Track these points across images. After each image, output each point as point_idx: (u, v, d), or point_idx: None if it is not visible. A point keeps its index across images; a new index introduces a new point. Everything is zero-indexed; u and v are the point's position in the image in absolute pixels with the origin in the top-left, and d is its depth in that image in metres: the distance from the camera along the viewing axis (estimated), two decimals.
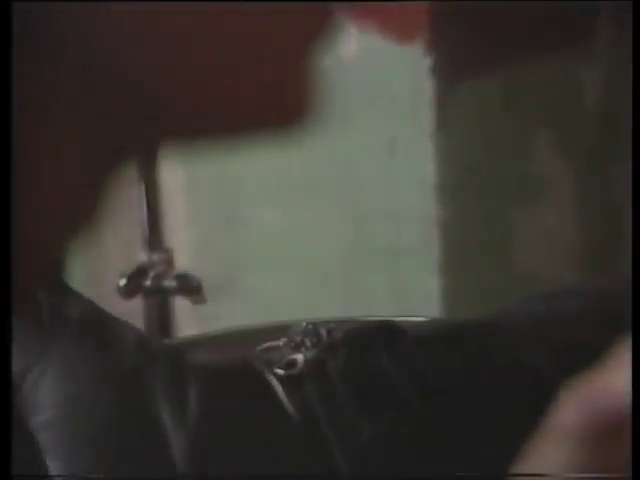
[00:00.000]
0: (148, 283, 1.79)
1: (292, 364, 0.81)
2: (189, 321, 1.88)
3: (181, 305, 1.85)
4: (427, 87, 1.58)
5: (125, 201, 1.67)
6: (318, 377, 0.81)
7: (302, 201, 1.75)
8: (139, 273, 1.81)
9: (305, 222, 1.72)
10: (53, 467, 0.72)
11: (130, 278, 1.78)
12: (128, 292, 1.76)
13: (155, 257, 1.83)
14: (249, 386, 0.84)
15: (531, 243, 1.63)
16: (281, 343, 0.85)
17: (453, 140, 1.59)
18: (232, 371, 0.86)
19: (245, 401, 0.82)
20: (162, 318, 1.86)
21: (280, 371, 0.82)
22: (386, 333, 0.88)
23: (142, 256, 1.84)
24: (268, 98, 0.44)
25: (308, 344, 0.83)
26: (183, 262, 1.84)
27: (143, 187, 1.83)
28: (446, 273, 1.61)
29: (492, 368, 0.86)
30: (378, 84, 1.62)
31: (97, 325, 0.83)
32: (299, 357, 0.81)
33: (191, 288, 1.81)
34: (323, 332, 0.83)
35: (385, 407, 0.81)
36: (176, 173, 1.86)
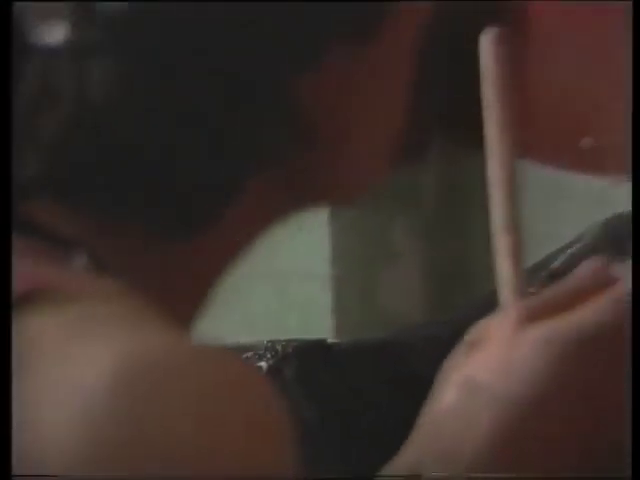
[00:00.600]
0: None
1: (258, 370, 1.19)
2: None
3: None
4: None
5: None
6: (277, 380, 1.18)
7: None
8: None
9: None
10: None
11: None
12: None
13: None
14: None
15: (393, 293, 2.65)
16: (249, 355, 1.25)
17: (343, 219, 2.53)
18: None
19: None
20: None
21: None
22: (321, 348, 1.32)
23: None
24: None
25: (269, 356, 1.27)
26: None
27: None
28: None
29: (396, 378, 1.27)
30: None
31: None
32: (263, 365, 1.23)
33: None
34: (279, 347, 1.24)
35: (329, 403, 1.23)
36: None
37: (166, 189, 0.71)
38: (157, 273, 0.75)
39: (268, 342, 1.26)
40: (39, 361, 0.59)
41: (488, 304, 1.09)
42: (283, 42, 0.70)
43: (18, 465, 0.59)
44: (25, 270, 0.67)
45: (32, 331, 0.62)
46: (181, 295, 0.76)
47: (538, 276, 1.30)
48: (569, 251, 1.45)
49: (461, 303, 2.23)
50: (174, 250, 0.75)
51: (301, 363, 1.27)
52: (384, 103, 0.78)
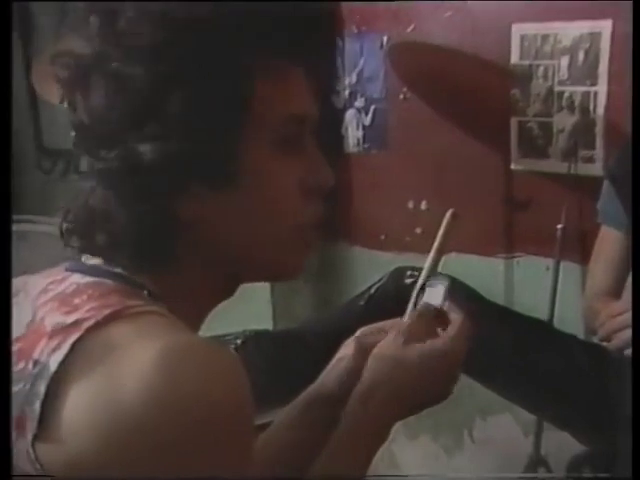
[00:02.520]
0: None
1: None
2: None
3: None
4: None
5: None
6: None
7: None
8: None
9: None
10: None
11: None
12: None
13: None
14: None
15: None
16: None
17: None
18: None
19: None
20: None
21: None
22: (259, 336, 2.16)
23: None
24: None
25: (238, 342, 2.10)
26: None
27: None
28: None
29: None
30: None
31: None
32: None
33: None
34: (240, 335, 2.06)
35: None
36: None
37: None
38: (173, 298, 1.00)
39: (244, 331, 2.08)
40: (120, 350, 0.84)
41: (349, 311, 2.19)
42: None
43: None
44: (114, 300, 0.92)
45: (116, 334, 0.87)
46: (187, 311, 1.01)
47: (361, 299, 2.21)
48: (376, 285, 2.21)
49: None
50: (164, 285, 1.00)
51: (256, 346, 2.08)
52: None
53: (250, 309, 2.77)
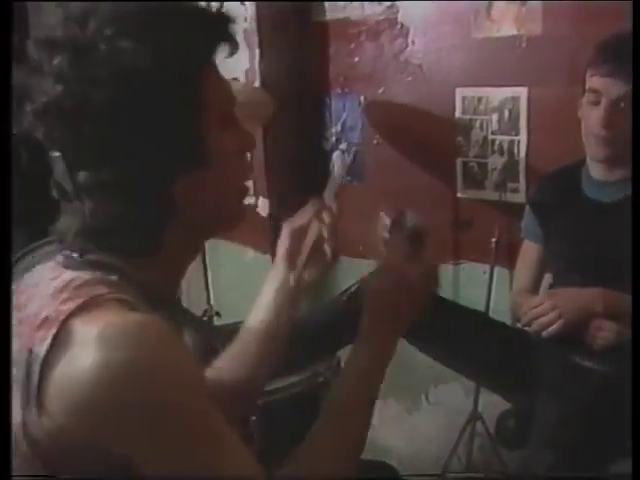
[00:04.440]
0: None
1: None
2: None
3: None
4: None
5: None
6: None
7: None
8: None
9: None
10: None
11: None
12: None
13: None
14: None
15: None
16: None
17: None
18: None
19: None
20: None
21: None
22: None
23: None
24: None
25: None
26: None
27: None
28: None
29: None
30: None
31: None
32: None
33: None
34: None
35: None
36: None
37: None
38: (141, 276, 0.93)
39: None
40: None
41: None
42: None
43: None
44: (84, 292, 0.86)
45: (79, 324, 0.82)
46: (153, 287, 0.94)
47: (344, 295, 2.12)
48: (356, 284, 2.14)
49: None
50: (143, 265, 0.94)
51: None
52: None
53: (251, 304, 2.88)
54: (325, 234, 1.30)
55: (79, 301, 0.84)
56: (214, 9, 0.93)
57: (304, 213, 1.32)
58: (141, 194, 0.90)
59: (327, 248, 1.30)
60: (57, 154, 0.89)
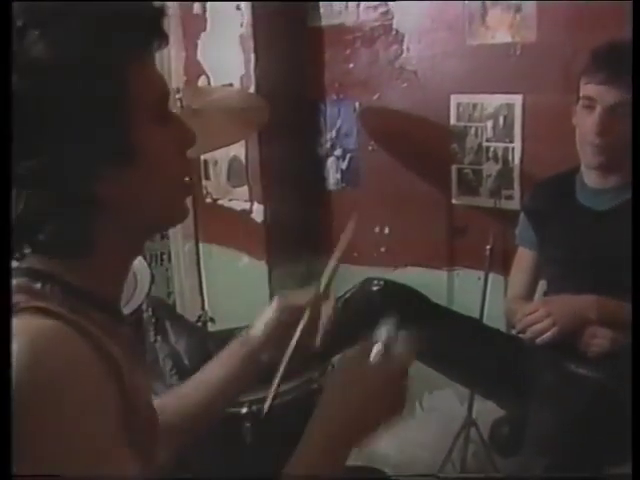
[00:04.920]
0: None
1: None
2: None
3: None
4: None
5: None
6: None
7: None
8: None
9: None
10: None
11: None
12: None
13: None
14: None
15: None
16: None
17: None
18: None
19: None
20: None
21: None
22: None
23: None
24: None
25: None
26: None
27: None
28: None
29: None
30: None
31: None
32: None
33: None
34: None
35: None
36: None
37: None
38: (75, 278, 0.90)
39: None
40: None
41: None
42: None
43: None
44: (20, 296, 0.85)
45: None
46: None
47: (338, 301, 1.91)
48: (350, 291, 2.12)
49: None
50: (75, 267, 0.90)
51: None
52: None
53: (252, 309, 2.89)
54: (321, 327, 1.28)
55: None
56: (144, 2, 0.90)
57: (300, 295, 1.30)
58: (64, 190, 0.86)
59: (317, 339, 1.28)
60: None
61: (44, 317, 0.83)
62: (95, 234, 0.90)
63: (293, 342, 1.25)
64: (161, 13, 0.90)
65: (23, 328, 0.81)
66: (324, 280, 1.34)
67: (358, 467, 1.54)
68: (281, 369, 1.24)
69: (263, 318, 1.30)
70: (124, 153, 0.88)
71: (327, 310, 1.29)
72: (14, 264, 0.91)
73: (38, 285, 0.88)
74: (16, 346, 0.78)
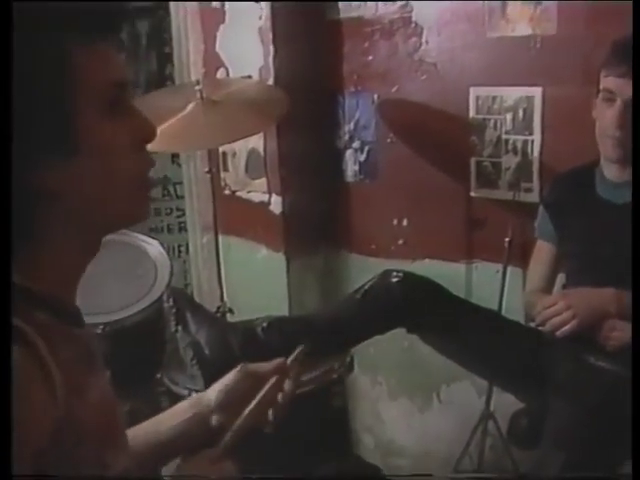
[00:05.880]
0: None
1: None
2: None
3: None
4: None
5: None
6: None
7: None
8: None
9: None
10: None
11: None
12: None
13: None
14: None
15: None
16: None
17: None
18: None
19: None
20: None
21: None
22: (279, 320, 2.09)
23: None
24: None
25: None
26: None
27: None
28: None
29: None
30: None
31: None
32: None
33: None
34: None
35: None
36: None
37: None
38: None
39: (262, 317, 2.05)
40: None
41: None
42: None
43: None
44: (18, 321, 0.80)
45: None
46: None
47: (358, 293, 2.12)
48: (369, 282, 2.13)
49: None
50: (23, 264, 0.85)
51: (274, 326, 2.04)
52: None
53: (270, 302, 2.90)
54: (280, 400, 1.26)
55: None
56: None
57: (265, 366, 1.28)
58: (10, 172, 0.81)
59: (270, 416, 1.26)
60: None
61: None
62: (43, 228, 0.86)
63: (245, 412, 1.22)
64: None
65: None
66: (292, 355, 1.31)
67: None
68: (227, 438, 1.19)
69: (221, 383, 1.26)
70: (68, 142, 0.83)
71: (289, 386, 1.26)
72: None
73: None
74: None
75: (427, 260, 2.81)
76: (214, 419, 1.22)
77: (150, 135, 0.93)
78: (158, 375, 2.11)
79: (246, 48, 2.89)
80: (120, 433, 0.99)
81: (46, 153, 0.82)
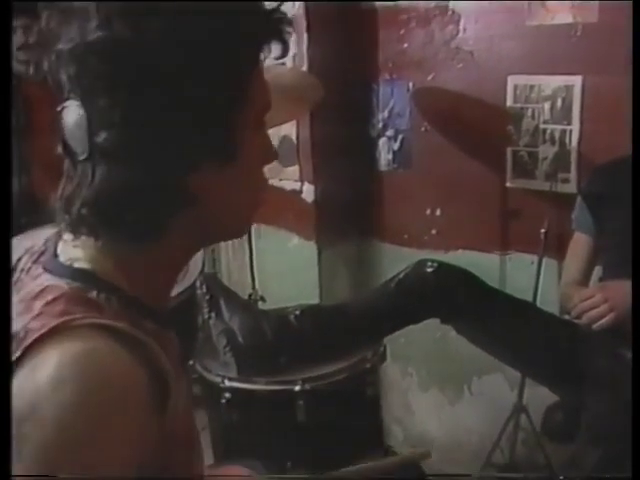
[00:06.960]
0: None
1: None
2: None
3: None
4: None
5: None
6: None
7: None
8: None
9: None
10: None
11: None
12: None
13: None
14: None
15: None
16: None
17: None
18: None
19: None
20: None
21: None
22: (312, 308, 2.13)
23: None
24: None
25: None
26: None
27: None
28: None
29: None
30: None
31: None
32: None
33: None
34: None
35: None
36: None
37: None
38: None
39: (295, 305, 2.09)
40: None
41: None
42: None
43: None
44: (57, 310, 0.80)
45: (46, 348, 0.77)
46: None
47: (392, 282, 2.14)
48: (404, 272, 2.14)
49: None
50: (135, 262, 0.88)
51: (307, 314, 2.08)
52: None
53: (301, 291, 2.89)
54: None
55: (50, 323, 0.78)
56: (270, 7, 0.89)
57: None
58: (159, 169, 0.84)
59: None
60: (77, 103, 0.82)
61: (102, 337, 0.79)
62: (170, 222, 0.88)
63: None
64: (285, 19, 0.89)
65: (78, 351, 0.77)
66: None
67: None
68: None
69: None
70: (227, 152, 0.87)
71: None
72: (65, 260, 0.88)
73: (93, 294, 0.84)
74: (69, 370, 0.75)
75: (460, 250, 2.79)
76: None
77: (274, 156, 0.97)
78: (191, 362, 2.12)
79: None
80: (197, 431, 1.00)
81: (206, 158, 0.85)
